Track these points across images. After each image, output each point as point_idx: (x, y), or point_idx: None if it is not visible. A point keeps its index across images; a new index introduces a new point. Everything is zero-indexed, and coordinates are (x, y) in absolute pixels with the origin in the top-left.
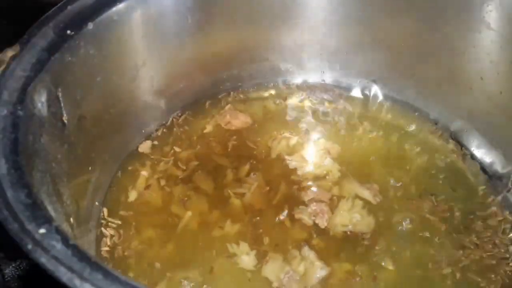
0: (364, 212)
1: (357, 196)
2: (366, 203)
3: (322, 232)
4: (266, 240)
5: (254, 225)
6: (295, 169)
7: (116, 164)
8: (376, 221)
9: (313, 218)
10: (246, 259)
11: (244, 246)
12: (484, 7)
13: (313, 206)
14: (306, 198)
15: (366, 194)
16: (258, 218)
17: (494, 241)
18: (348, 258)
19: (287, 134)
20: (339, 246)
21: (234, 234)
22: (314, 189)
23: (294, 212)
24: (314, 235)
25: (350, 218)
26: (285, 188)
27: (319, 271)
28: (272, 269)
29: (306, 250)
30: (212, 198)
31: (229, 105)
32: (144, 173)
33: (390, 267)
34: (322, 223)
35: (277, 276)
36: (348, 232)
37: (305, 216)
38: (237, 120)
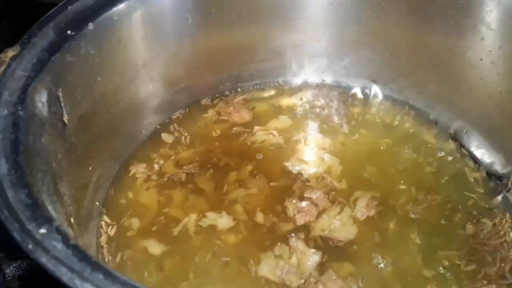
0: (349, 221)
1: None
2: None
3: (298, 229)
4: (259, 239)
5: (250, 225)
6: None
7: (117, 164)
8: (360, 231)
9: (296, 212)
10: (223, 220)
11: (211, 214)
12: (484, 7)
13: (304, 204)
14: (306, 195)
15: (359, 205)
16: (255, 218)
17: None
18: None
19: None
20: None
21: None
22: (316, 192)
23: (285, 200)
24: (292, 230)
25: (330, 223)
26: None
27: (312, 257)
28: (267, 268)
29: (293, 240)
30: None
31: (238, 99)
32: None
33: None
34: (299, 221)
35: (274, 274)
36: (323, 237)
37: (291, 207)
38: (237, 114)
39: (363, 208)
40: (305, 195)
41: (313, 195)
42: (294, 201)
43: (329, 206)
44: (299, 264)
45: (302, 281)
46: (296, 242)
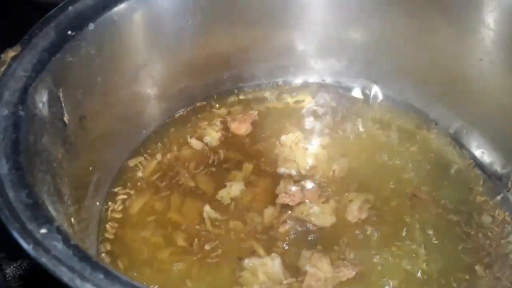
0: (329, 211)
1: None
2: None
3: (280, 207)
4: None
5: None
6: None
7: (117, 164)
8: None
9: (282, 191)
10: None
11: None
12: (484, 7)
13: (294, 188)
14: (301, 182)
15: (352, 208)
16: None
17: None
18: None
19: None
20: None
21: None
22: (311, 184)
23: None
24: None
25: (310, 208)
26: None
27: (273, 263)
28: None
29: (246, 262)
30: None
31: (252, 112)
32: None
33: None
34: (279, 199)
35: None
36: (300, 218)
37: (282, 184)
38: (242, 124)
39: (355, 211)
40: (301, 181)
41: (307, 185)
42: (288, 182)
43: (315, 200)
44: (270, 275)
45: (286, 282)
46: (250, 262)
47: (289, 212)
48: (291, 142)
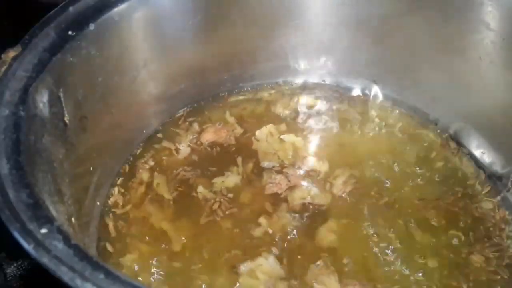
0: (323, 189)
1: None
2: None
3: (278, 200)
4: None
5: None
6: (293, 168)
7: (118, 164)
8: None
9: (268, 182)
10: None
11: None
12: (484, 7)
13: (278, 176)
14: (284, 170)
15: (338, 182)
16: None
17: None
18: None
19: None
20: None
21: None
22: (295, 170)
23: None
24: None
25: (308, 191)
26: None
27: (268, 261)
28: None
29: (242, 268)
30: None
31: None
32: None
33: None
34: (268, 190)
35: None
36: (307, 203)
37: (266, 176)
38: (215, 134)
39: (340, 185)
40: (284, 170)
41: (290, 171)
42: (271, 172)
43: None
44: (269, 273)
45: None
46: (245, 267)
47: (285, 202)
48: (265, 136)
